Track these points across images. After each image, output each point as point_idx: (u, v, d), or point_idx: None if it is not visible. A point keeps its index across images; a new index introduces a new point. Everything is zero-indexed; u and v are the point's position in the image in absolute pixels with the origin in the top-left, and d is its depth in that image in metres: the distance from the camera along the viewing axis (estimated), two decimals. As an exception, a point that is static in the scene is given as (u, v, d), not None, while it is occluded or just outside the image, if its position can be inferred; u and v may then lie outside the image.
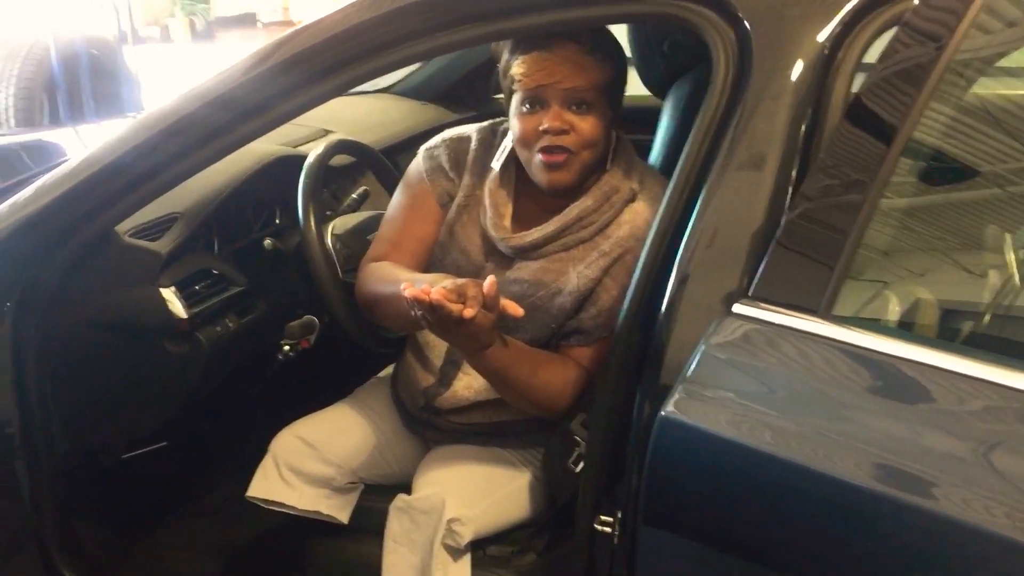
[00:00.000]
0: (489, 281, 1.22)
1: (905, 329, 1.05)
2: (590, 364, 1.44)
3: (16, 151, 2.35)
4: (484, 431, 1.57)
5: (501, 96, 1.49)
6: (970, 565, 0.84)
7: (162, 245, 1.61)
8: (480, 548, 1.49)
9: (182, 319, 1.58)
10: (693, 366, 1.00)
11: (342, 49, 1.27)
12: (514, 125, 1.42)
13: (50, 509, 1.51)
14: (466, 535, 1.44)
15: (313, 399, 1.72)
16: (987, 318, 1.06)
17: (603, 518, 1.18)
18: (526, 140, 1.41)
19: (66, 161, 1.39)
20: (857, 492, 0.88)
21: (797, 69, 1.09)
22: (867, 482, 0.88)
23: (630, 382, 1.16)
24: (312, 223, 1.65)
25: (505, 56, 1.42)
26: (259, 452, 1.62)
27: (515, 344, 1.37)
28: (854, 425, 0.93)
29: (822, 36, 1.10)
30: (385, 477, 1.65)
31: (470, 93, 2.72)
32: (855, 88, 1.08)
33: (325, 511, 1.60)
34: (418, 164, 1.56)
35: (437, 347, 1.56)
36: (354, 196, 1.94)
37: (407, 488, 1.52)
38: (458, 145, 1.55)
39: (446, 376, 1.56)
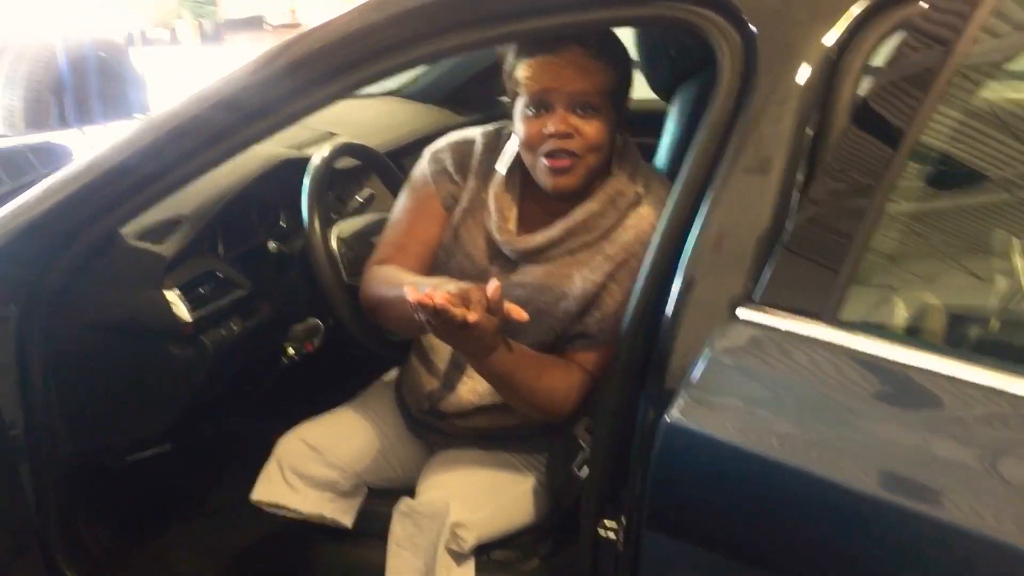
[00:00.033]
0: (493, 285, 1.21)
1: (912, 335, 1.04)
2: (594, 368, 1.43)
3: (24, 152, 2.35)
4: (488, 435, 1.57)
5: (506, 99, 1.49)
6: (977, 574, 0.83)
7: (166, 248, 1.61)
8: (484, 553, 1.49)
9: (186, 322, 1.58)
10: (698, 371, 1.00)
11: (348, 52, 1.26)
12: (519, 128, 1.42)
13: (54, 511, 1.51)
14: (470, 540, 1.43)
15: (317, 402, 1.72)
16: (995, 324, 1.06)
17: (607, 523, 1.17)
18: (531, 144, 1.40)
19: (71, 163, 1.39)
20: (862, 499, 0.87)
21: (803, 73, 1.09)
22: (872, 489, 0.87)
23: (634, 387, 1.15)
24: (317, 226, 1.65)
25: (510, 59, 1.42)
26: (263, 455, 1.62)
27: (519, 348, 1.37)
28: (860, 431, 0.92)
29: (828, 40, 1.09)
30: (389, 481, 1.65)
31: (475, 96, 2.72)
32: (861, 92, 1.08)
33: (329, 515, 1.60)
34: (423, 167, 1.56)
35: (441, 351, 1.56)
36: (359, 199, 1.94)
37: (411, 492, 1.52)
38: (463, 148, 1.54)
39: (450, 380, 1.55)
